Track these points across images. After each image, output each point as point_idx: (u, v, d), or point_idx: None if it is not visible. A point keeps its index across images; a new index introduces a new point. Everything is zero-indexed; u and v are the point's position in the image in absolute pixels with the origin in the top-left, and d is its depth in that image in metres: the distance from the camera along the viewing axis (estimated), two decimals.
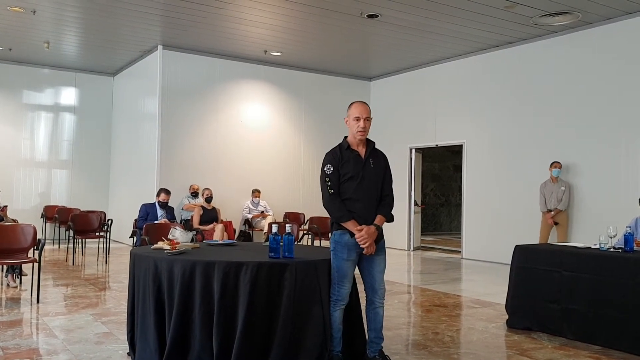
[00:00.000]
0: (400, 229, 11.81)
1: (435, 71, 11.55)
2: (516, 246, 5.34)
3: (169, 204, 9.09)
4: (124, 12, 8.80)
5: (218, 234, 8.75)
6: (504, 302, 5.45)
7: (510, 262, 5.37)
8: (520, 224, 9.59)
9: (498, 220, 10.10)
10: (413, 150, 12.09)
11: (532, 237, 8.88)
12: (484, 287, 7.45)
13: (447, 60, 11.18)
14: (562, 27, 8.97)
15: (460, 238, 11.16)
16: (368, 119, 3.74)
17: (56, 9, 8.74)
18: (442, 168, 18.13)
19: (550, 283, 4.93)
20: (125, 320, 4.12)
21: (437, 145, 11.68)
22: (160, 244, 4.14)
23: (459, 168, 11.18)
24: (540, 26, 8.95)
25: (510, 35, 9.51)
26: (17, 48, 11.09)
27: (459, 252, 11.11)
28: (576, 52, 9.05)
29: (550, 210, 8.73)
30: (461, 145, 11.01)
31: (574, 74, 9.07)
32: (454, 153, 16.10)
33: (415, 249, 12.08)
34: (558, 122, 9.25)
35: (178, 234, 4.38)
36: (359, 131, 3.72)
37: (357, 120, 3.72)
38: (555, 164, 8.84)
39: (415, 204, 12.16)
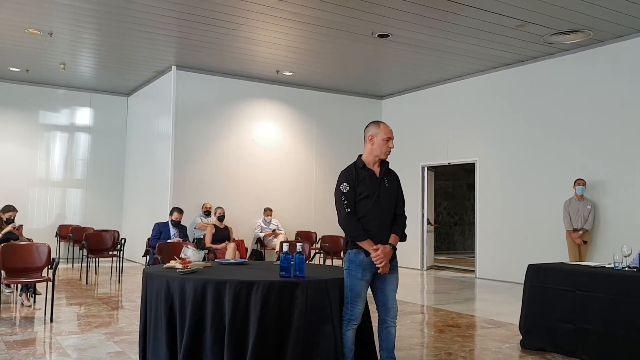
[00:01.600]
0: (413, 248, 11.76)
1: (447, 89, 11.58)
2: (529, 265, 5.29)
3: (181, 223, 9.13)
4: (138, 34, 8.95)
5: (230, 252, 8.76)
6: (518, 322, 5.39)
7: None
8: (535, 242, 9.51)
9: (512, 239, 10.03)
10: (425, 169, 12.07)
11: (547, 256, 8.78)
12: (498, 307, 7.38)
13: (459, 78, 11.21)
14: (574, 45, 8.97)
15: (473, 257, 11.09)
16: (392, 139, 3.81)
17: (72, 31, 8.91)
18: (455, 186, 18.06)
19: (564, 303, 4.87)
20: (138, 339, 4.13)
21: (449, 163, 11.66)
22: (172, 263, 4.17)
23: (472, 186, 11.13)
24: (552, 44, 8.96)
25: (522, 53, 9.52)
26: (34, 69, 11.29)
27: (473, 271, 11.02)
28: (589, 69, 9.03)
29: (577, 230, 8.56)
30: (474, 164, 10.98)
31: (586, 92, 9.04)
32: (467, 171, 16.04)
33: (429, 268, 12.00)
34: (572, 141, 9.20)
35: (190, 253, 4.40)
36: (388, 152, 3.77)
37: (387, 140, 3.76)
38: (579, 181, 8.60)
39: (428, 222, 12.11)
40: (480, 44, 9.09)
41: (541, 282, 5.11)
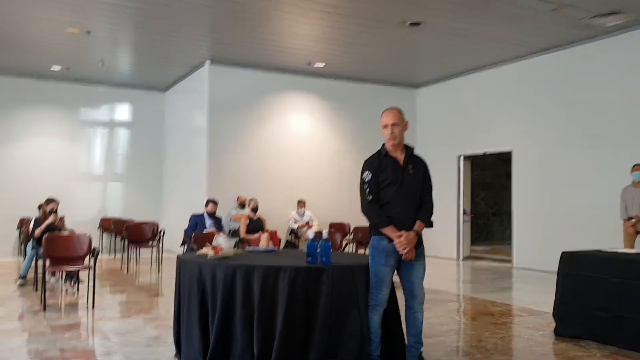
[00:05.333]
0: (449, 238, 11.69)
1: (482, 77, 11.42)
2: (563, 252, 5.22)
3: (216, 214, 9.32)
4: (173, 31, 9.13)
5: (263, 242, 8.87)
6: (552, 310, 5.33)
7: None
8: (574, 231, 9.32)
9: (550, 228, 9.86)
10: (461, 158, 11.96)
11: (586, 246, 8.57)
12: (533, 296, 7.30)
13: (494, 66, 11.04)
14: (614, 28, 8.70)
15: (511, 247, 10.94)
16: (396, 125, 3.74)
17: (110, 29, 9.15)
18: (493, 176, 17.79)
19: (598, 290, 4.79)
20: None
21: (485, 152, 11.53)
22: (204, 250, 4.28)
23: (510, 176, 10.97)
24: (590, 28, 8.73)
25: (559, 38, 9.31)
26: (74, 67, 11.64)
27: (510, 261, 10.89)
28: (631, 51, 8.74)
29: (631, 218, 7.97)
30: (510, 152, 10.83)
31: (630, 74, 8.75)
32: (506, 161, 15.78)
33: (465, 258, 11.91)
34: (614, 125, 8.94)
35: (222, 241, 4.52)
36: (389, 138, 3.76)
37: (385, 127, 3.77)
38: (636, 167, 7.91)
39: (464, 212, 12.01)
40: (516, 30, 8.94)
41: (575, 269, 5.04)
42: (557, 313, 5.17)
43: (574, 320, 4.98)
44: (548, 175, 9.99)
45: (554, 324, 5.20)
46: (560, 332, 5.05)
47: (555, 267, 5.27)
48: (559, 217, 9.72)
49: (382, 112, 3.85)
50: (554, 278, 5.29)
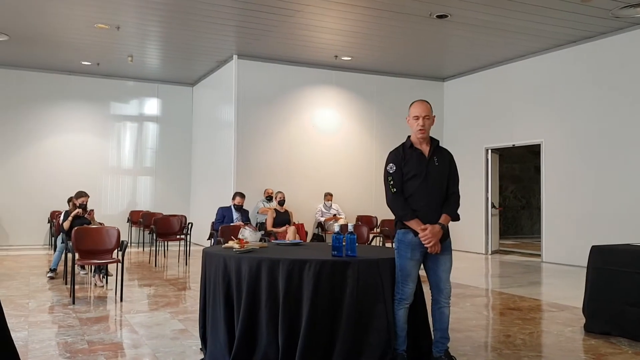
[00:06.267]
0: (477, 232, 11.56)
1: (510, 69, 11.25)
2: (592, 247, 5.12)
3: (244, 207, 9.37)
4: (201, 25, 9.19)
5: (290, 236, 8.92)
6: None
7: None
8: (604, 225, 9.14)
9: (580, 222, 9.67)
10: (489, 151, 11.81)
11: (617, 240, 8.43)
12: (563, 291, 7.18)
13: (523, 58, 10.86)
14: None
15: (540, 241, 10.77)
16: (428, 117, 3.73)
17: (138, 24, 9.25)
18: (522, 169, 17.55)
19: (630, 285, 4.68)
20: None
21: (514, 145, 11.36)
22: (230, 243, 4.30)
23: (539, 169, 10.79)
24: (621, 18, 8.52)
25: (588, 29, 9.11)
26: (104, 62, 11.81)
27: (539, 255, 10.72)
28: None
29: None
30: (539, 145, 10.64)
31: None
32: (535, 154, 15.54)
33: (493, 252, 11.76)
34: None
35: (247, 234, 4.53)
36: (419, 129, 3.72)
37: (416, 118, 3.73)
38: None
39: (493, 206, 11.86)
40: (544, 22, 8.77)
41: (605, 264, 4.93)
42: (587, 309, 5.07)
43: (604, 316, 4.88)
44: (578, 168, 9.80)
45: (583, 320, 5.10)
46: (591, 328, 4.95)
47: (585, 261, 5.17)
48: (589, 211, 9.53)
49: (412, 103, 3.81)
50: (584, 273, 5.19)
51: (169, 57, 11.43)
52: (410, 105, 3.82)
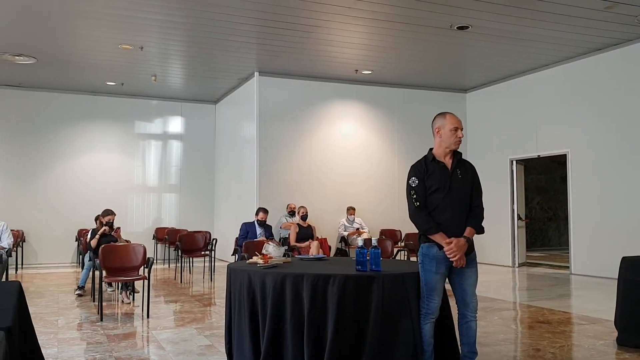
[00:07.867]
0: (503, 245, 11.40)
1: (533, 79, 11.14)
2: (623, 258, 5.01)
3: (267, 222, 9.40)
4: (222, 43, 9.30)
5: (313, 250, 8.90)
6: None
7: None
8: (635, 236, 8.95)
9: (609, 233, 9.48)
10: (514, 162, 11.68)
11: None
12: (594, 303, 7.03)
13: (545, 67, 10.76)
14: None
15: (568, 253, 10.58)
16: (462, 129, 3.74)
17: (161, 44, 9.41)
18: (548, 180, 17.32)
19: None
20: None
21: (539, 155, 11.22)
22: (254, 259, 4.32)
23: (566, 179, 10.63)
24: None
25: (613, 37, 9.00)
26: (128, 82, 12.02)
27: (568, 267, 10.52)
28: None
29: None
30: (565, 155, 10.50)
31: None
32: (560, 164, 15.34)
33: (520, 265, 11.58)
34: None
35: (271, 249, 4.54)
36: (457, 141, 3.71)
37: (455, 130, 3.71)
38: None
39: (519, 218, 11.70)
40: (566, 30, 8.69)
41: (637, 275, 4.82)
42: (619, 321, 4.95)
43: (637, 329, 4.75)
44: (606, 178, 9.63)
45: (616, 333, 4.99)
46: (623, 342, 4.83)
47: (615, 273, 5.06)
48: (618, 221, 9.34)
49: (445, 114, 3.79)
50: (614, 285, 5.08)
51: (191, 75, 11.59)
52: (442, 116, 3.79)
